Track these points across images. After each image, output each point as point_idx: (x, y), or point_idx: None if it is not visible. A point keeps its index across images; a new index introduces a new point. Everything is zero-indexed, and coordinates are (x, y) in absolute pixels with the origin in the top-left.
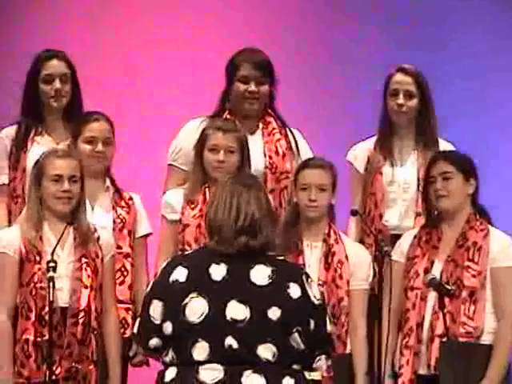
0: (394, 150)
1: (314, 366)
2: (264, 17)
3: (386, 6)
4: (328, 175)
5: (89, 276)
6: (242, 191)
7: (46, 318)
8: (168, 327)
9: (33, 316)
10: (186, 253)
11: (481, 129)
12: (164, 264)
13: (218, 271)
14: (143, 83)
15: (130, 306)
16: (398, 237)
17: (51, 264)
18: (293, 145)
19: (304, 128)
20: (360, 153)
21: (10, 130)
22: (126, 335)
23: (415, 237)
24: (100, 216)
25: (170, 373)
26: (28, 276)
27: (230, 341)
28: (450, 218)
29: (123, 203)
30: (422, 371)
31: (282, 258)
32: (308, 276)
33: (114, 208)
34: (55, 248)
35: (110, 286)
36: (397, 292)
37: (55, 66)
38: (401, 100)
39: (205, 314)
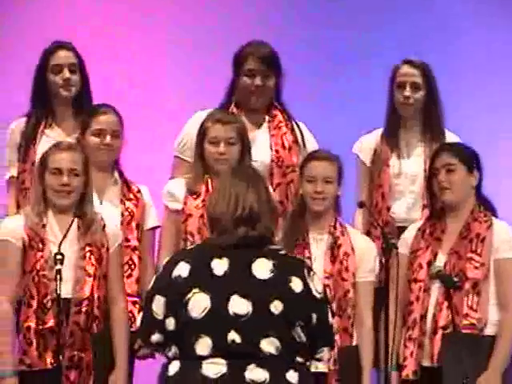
0: (400, 142)
1: (317, 356)
2: (270, 12)
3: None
4: (334, 167)
5: (93, 265)
6: (240, 183)
7: (48, 305)
8: (171, 323)
9: (35, 304)
10: (188, 248)
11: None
12: (166, 259)
13: (219, 266)
14: (149, 76)
15: (136, 299)
16: (405, 229)
17: (58, 257)
18: (299, 138)
19: (315, 120)
20: (366, 145)
21: (20, 123)
22: (133, 329)
23: (419, 229)
24: (108, 209)
25: (174, 366)
26: (31, 264)
27: (233, 335)
28: (454, 210)
29: (131, 196)
30: (426, 363)
31: (283, 251)
32: (310, 269)
33: (122, 201)
34: (62, 240)
35: (117, 275)
36: (402, 285)
37: (63, 56)
38: (407, 92)
39: (207, 309)
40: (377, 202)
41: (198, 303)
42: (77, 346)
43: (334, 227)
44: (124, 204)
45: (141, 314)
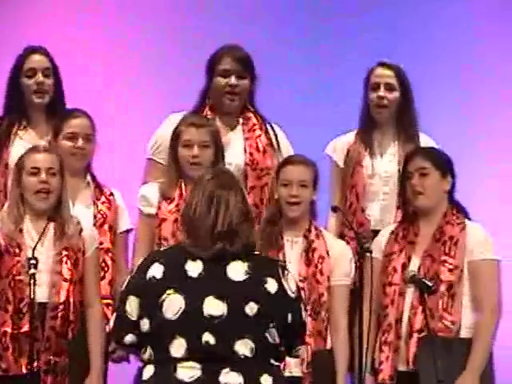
0: (374, 143)
1: (295, 354)
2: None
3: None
4: (309, 172)
5: (69, 269)
6: (221, 194)
7: (24, 310)
8: (145, 324)
9: (11, 308)
10: (162, 249)
11: None
12: (140, 260)
13: (194, 267)
14: (123, 79)
15: (110, 301)
16: (379, 232)
17: (32, 261)
18: (273, 141)
19: (294, 126)
20: (339, 146)
21: None
22: (106, 331)
23: (392, 233)
24: (81, 212)
25: (148, 370)
26: (7, 268)
27: (207, 337)
28: (427, 214)
29: (104, 199)
30: (402, 367)
31: (257, 252)
32: (284, 268)
33: (94, 203)
34: (36, 245)
35: (94, 279)
36: (376, 289)
37: (37, 60)
38: (381, 92)
39: (182, 311)
40: (351, 203)
41: (173, 304)
42: (52, 351)
43: (309, 230)
44: (97, 206)
45: (114, 314)
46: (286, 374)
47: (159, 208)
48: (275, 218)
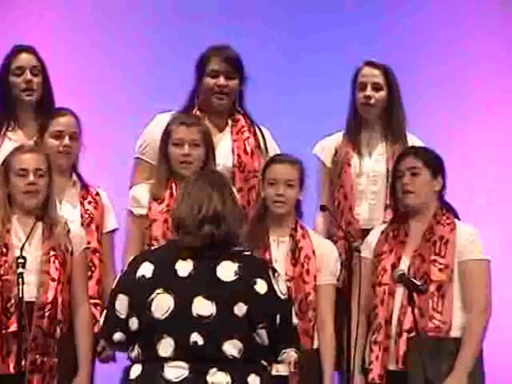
0: (361, 142)
1: (280, 358)
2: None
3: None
4: (296, 171)
5: (57, 269)
6: (204, 187)
7: (11, 310)
8: (134, 323)
9: None
10: (153, 248)
11: None
12: (130, 259)
13: (184, 267)
14: (113, 78)
15: (97, 301)
16: (368, 231)
17: (20, 260)
18: (261, 143)
19: (280, 124)
20: (327, 146)
21: None
22: (95, 330)
23: (382, 233)
24: (68, 211)
25: (136, 370)
26: None
27: (196, 337)
28: (417, 214)
29: (90, 198)
30: (392, 367)
31: (248, 252)
32: (275, 271)
33: (81, 203)
34: (24, 244)
35: (82, 280)
36: (365, 288)
37: (25, 58)
38: (369, 92)
39: (170, 310)
40: (339, 203)
41: (162, 304)
42: (39, 350)
43: (295, 230)
44: (83, 206)
45: (104, 312)
46: (273, 373)
47: (149, 209)
48: (261, 217)
